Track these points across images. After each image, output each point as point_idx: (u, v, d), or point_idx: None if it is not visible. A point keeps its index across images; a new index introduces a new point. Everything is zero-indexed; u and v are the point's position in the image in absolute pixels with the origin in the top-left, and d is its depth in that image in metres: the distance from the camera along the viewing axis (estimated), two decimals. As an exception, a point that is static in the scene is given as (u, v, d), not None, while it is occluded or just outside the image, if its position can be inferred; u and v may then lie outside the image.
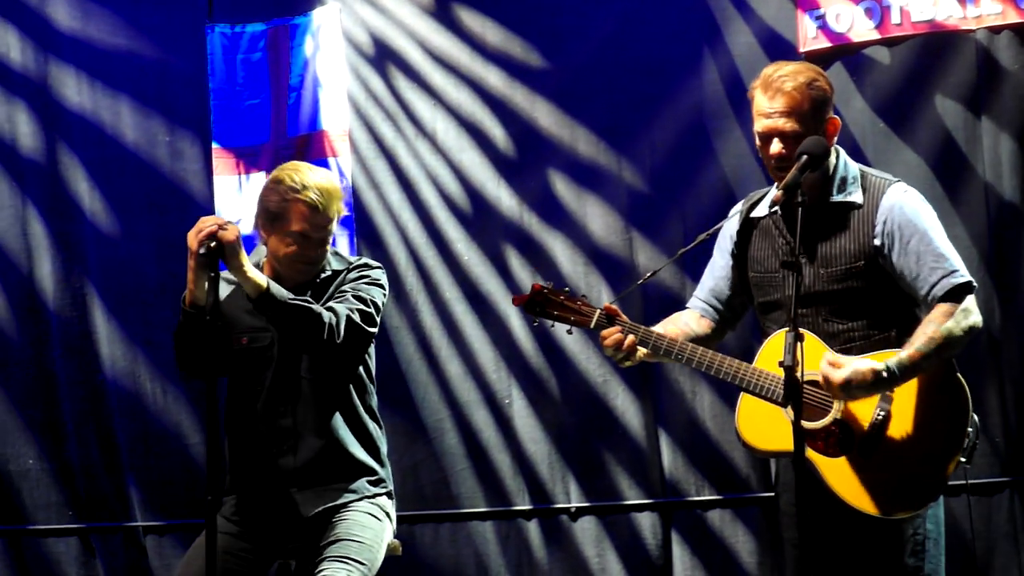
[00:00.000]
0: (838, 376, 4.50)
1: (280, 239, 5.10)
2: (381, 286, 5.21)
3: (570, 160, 7.07)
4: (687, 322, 4.96)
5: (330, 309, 4.98)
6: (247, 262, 4.86)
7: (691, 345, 4.73)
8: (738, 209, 4.95)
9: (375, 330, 5.13)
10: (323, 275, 5.19)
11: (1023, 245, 6.54)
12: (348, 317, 4.99)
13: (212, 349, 4.72)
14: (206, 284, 4.73)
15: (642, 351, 4.73)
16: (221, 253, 4.76)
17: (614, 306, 4.75)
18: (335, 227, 5.18)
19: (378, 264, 5.31)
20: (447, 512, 7.10)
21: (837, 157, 4.72)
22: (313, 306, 4.94)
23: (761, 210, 4.84)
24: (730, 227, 4.93)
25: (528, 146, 7.13)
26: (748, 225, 4.87)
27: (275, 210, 5.08)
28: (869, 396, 4.54)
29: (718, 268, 4.98)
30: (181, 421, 7.27)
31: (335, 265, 5.23)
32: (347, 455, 5.13)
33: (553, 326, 4.85)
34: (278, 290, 4.92)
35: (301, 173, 5.09)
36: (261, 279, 4.89)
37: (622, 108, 7.01)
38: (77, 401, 7.29)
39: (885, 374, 4.49)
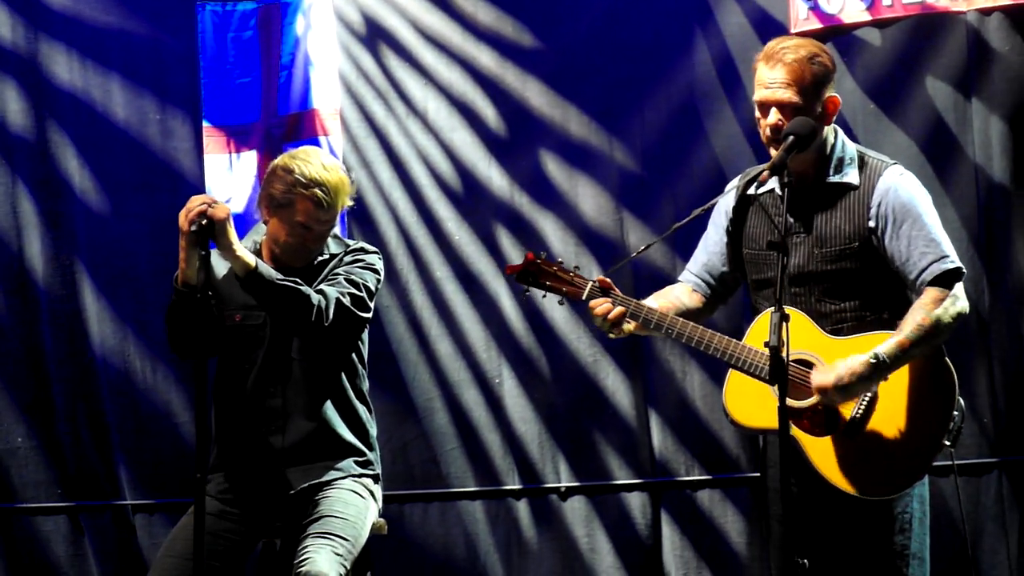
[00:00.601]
0: (828, 379, 4.51)
1: (281, 226, 5.12)
2: (375, 271, 5.22)
3: (561, 140, 7.06)
4: (679, 296, 4.96)
5: (320, 292, 4.99)
6: (236, 241, 4.88)
7: (681, 320, 4.73)
8: (734, 184, 4.95)
9: (368, 315, 5.14)
10: (320, 258, 5.20)
11: (1012, 226, 6.55)
12: (338, 300, 5.00)
13: (204, 328, 4.73)
14: (197, 263, 4.75)
15: (631, 324, 4.73)
16: (211, 231, 4.78)
17: (607, 279, 4.76)
18: (338, 218, 5.21)
19: (375, 249, 5.33)
20: (436, 492, 7.09)
21: (836, 137, 4.74)
22: (302, 288, 4.94)
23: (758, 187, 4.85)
24: (726, 202, 4.93)
25: (519, 126, 7.11)
26: (744, 201, 4.87)
27: (280, 199, 5.09)
28: (867, 388, 4.54)
29: (712, 243, 4.98)
30: (171, 400, 7.26)
31: (333, 248, 5.24)
32: (335, 437, 5.14)
33: (545, 296, 4.85)
34: (266, 270, 4.92)
35: (312, 167, 5.09)
36: (250, 258, 4.90)
37: (614, 89, 7.01)
38: (66, 380, 7.26)
39: (874, 360, 4.49)
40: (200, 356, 4.72)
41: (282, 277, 4.94)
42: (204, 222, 4.77)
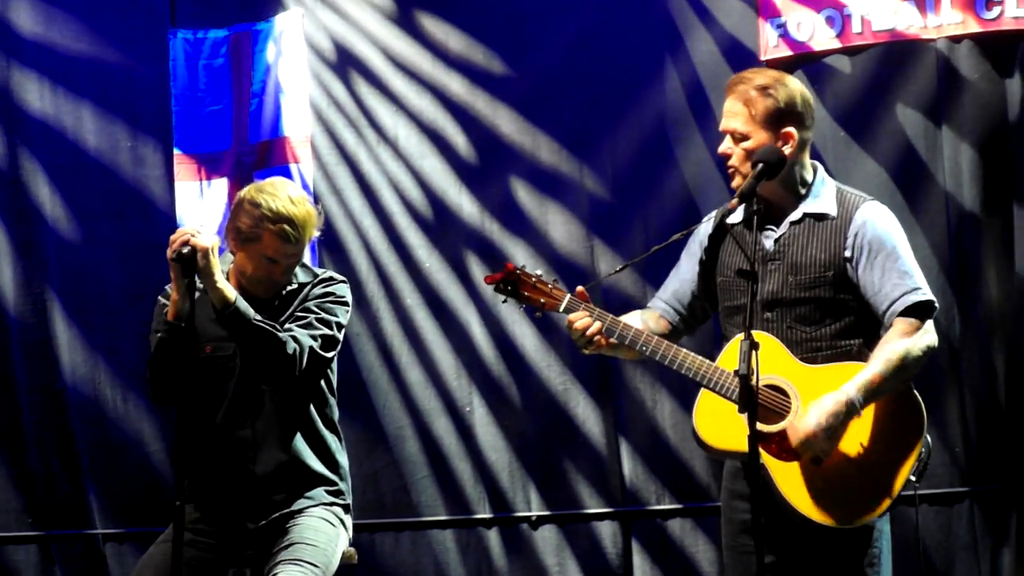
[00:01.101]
0: (806, 428, 4.50)
1: (248, 259, 5.09)
2: (345, 303, 5.21)
3: (532, 167, 7.07)
4: (646, 320, 4.95)
5: (295, 339, 4.96)
6: (219, 273, 4.88)
7: (656, 338, 4.72)
8: (712, 215, 4.96)
9: (334, 353, 5.13)
10: (288, 288, 5.18)
11: (983, 254, 6.56)
12: (311, 349, 4.99)
13: (187, 361, 4.74)
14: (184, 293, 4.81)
15: (606, 339, 4.73)
16: (194, 259, 4.79)
17: (585, 291, 4.76)
18: (306, 250, 5.20)
19: (343, 278, 5.29)
20: (407, 520, 7.07)
21: (815, 172, 4.76)
22: (278, 333, 4.93)
23: (735, 216, 4.85)
24: (702, 232, 4.94)
25: (490, 153, 7.12)
26: (720, 231, 4.87)
27: (247, 233, 5.06)
28: (845, 427, 4.53)
29: (684, 271, 4.97)
30: (142, 428, 7.23)
31: (301, 278, 5.21)
32: (305, 468, 5.12)
33: (523, 307, 4.84)
34: (245, 307, 4.91)
35: (280, 201, 5.05)
36: (230, 292, 4.90)
37: (584, 115, 7.02)
38: (37, 408, 7.23)
39: (846, 401, 4.50)
40: (182, 399, 4.72)
41: (260, 319, 4.93)
42: (186, 251, 4.78)
